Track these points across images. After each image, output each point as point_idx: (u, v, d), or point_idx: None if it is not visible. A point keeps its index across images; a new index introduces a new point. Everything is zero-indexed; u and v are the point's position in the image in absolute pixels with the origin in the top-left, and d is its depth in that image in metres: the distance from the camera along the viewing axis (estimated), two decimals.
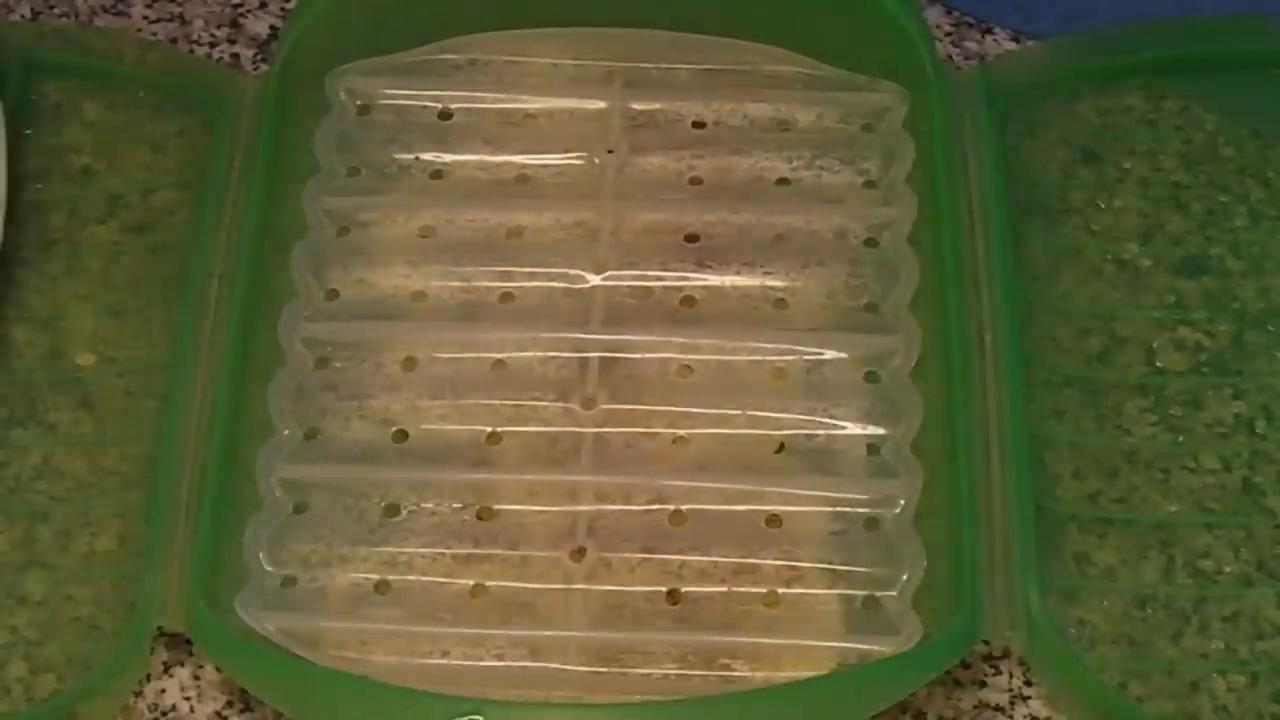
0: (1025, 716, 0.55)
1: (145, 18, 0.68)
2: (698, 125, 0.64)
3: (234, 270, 0.59)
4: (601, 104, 0.65)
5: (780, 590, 0.56)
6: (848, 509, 0.57)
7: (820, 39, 0.64)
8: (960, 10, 0.69)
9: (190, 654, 0.56)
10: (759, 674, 0.54)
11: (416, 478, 0.57)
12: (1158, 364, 0.60)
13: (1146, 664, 0.55)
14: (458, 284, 0.61)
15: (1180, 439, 0.59)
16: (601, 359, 0.60)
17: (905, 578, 0.56)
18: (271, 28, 0.68)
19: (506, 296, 0.61)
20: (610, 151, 0.64)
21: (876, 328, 0.60)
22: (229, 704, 0.55)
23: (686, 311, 0.61)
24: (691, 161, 0.64)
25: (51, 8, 0.68)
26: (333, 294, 0.61)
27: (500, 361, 0.60)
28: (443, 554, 0.56)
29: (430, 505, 0.57)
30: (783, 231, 0.62)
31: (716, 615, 0.56)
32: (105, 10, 0.68)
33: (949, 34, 0.68)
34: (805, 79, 0.65)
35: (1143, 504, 0.58)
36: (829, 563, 0.56)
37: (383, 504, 0.57)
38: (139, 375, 0.60)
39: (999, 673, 0.56)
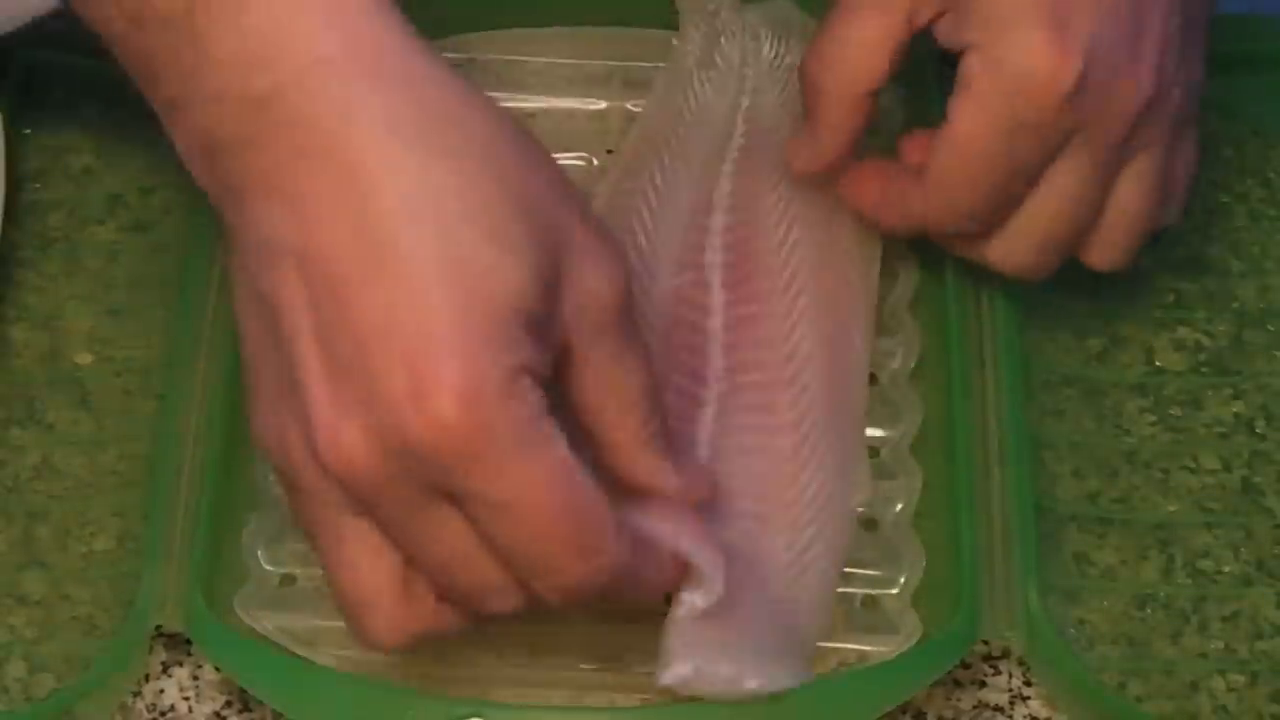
0: (1025, 716, 0.55)
1: None
2: None
3: None
4: (601, 104, 0.65)
5: None
6: None
7: None
8: None
9: (189, 654, 0.56)
10: None
11: None
12: (1158, 364, 0.60)
13: (1146, 664, 0.55)
14: None
15: (1180, 439, 0.59)
16: None
17: (905, 578, 0.55)
18: None
19: None
20: (610, 151, 0.64)
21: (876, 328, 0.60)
22: (228, 704, 0.55)
23: None
24: None
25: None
26: None
27: None
28: None
29: None
30: None
31: None
32: None
33: None
34: None
35: (1143, 504, 0.58)
36: None
37: None
38: (137, 375, 0.60)
39: (999, 673, 0.56)
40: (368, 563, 0.47)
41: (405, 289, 0.44)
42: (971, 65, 0.52)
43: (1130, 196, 0.54)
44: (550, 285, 0.45)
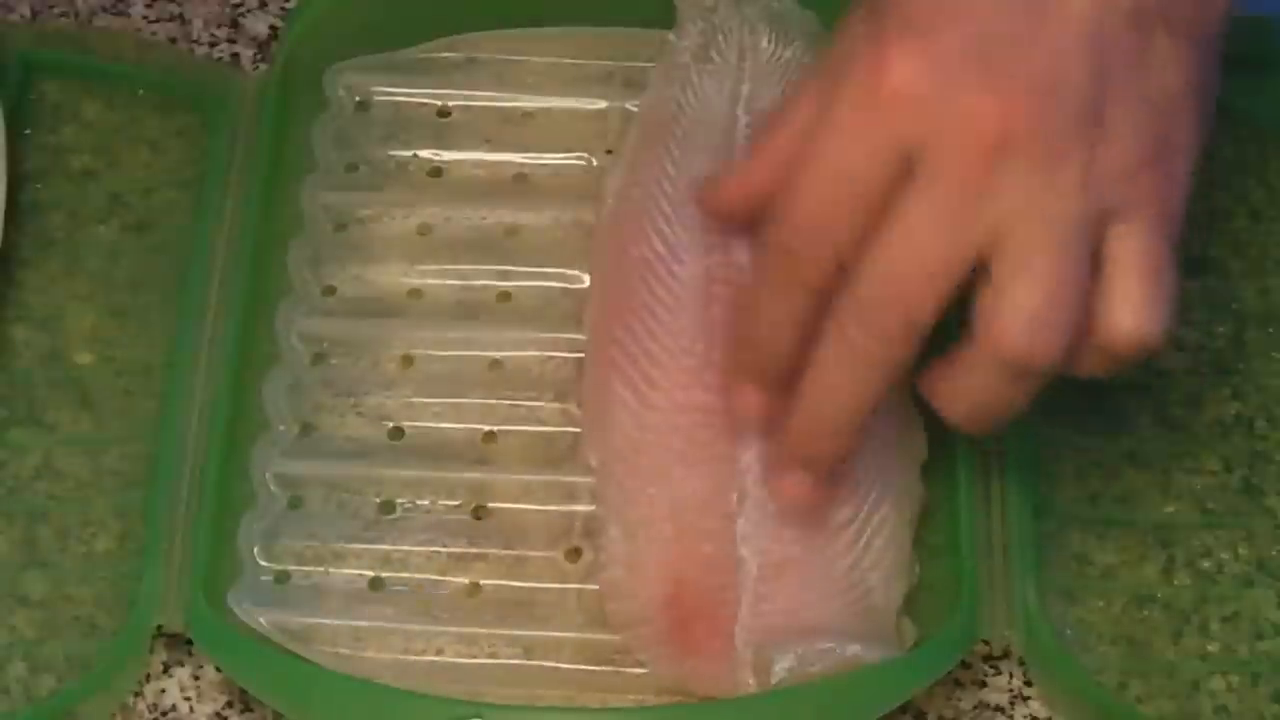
0: (1025, 716, 0.55)
1: (145, 18, 0.68)
2: None
3: (233, 266, 0.59)
4: (601, 104, 0.65)
5: None
6: None
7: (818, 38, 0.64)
8: None
9: (190, 654, 0.56)
10: None
11: (412, 475, 0.57)
12: (1158, 364, 0.60)
13: (1146, 664, 0.55)
14: (455, 282, 0.61)
15: (1180, 439, 0.59)
16: None
17: (903, 579, 0.55)
18: (271, 27, 0.68)
19: (504, 296, 0.61)
20: (610, 152, 0.64)
21: None
22: (229, 704, 0.55)
23: None
24: None
25: (51, 8, 0.68)
26: (330, 290, 0.61)
27: (497, 361, 0.60)
28: (438, 552, 0.56)
29: (426, 503, 0.57)
30: None
31: None
32: (105, 10, 0.68)
33: None
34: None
35: (1143, 504, 0.58)
36: None
37: (378, 501, 0.57)
38: (138, 374, 0.60)
39: (999, 673, 0.56)
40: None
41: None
42: None
43: (1124, 250, 0.50)
44: None
